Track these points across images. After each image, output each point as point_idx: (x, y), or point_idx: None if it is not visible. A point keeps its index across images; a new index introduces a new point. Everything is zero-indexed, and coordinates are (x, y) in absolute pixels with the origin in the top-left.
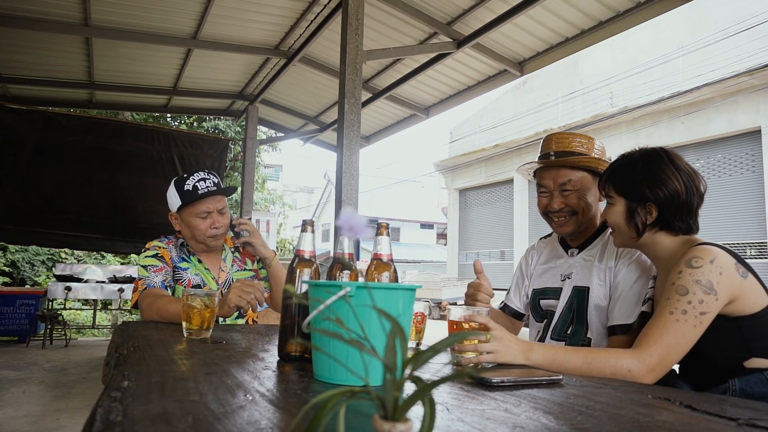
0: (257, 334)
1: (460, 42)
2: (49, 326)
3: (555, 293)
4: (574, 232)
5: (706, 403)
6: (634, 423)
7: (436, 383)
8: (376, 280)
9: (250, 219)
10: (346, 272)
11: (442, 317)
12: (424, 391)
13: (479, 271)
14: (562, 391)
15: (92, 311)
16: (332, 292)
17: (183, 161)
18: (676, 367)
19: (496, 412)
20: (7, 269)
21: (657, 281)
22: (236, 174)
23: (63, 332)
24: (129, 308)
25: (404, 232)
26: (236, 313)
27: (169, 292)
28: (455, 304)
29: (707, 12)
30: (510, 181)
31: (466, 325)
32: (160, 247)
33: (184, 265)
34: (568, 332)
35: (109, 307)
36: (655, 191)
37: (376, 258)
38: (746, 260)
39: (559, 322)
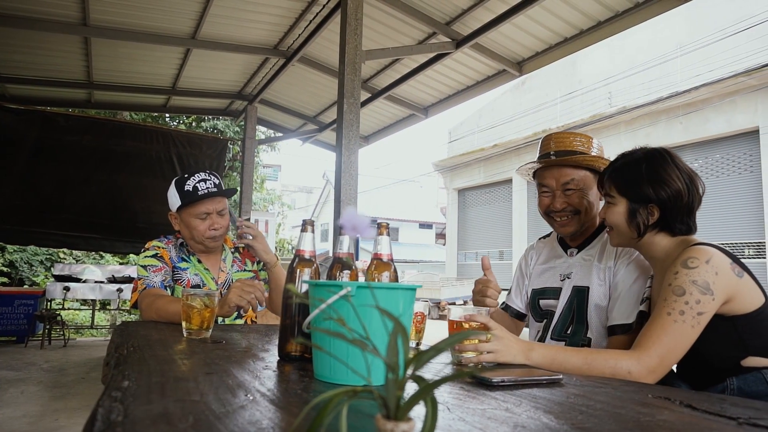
0: (257, 333)
1: (459, 42)
2: (47, 326)
3: (554, 293)
4: (576, 231)
5: (706, 402)
6: (635, 422)
7: (438, 383)
8: (376, 279)
9: (248, 219)
10: (346, 272)
11: (441, 317)
12: (427, 390)
13: (487, 268)
14: (563, 390)
15: (91, 311)
16: (333, 292)
17: (182, 161)
18: (674, 367)
19: (497, 411)
20: (5, 269)
21: (653, 281)
22: (235, 174)
23: (61, 332)
24: (128, 308)
25: (403, 232)
26: (235, 314)
27: (169, 292)
28: (454, 304)
29: (706, 12)
30: (509, 181)
31: (466, 325)
32: (159, 247)
33: (183, 265)
34: (568, 332)
35: (107, 307)
36: (658, 192)
37: (376, 258)
38: (744, 260)
39: (559, 322)
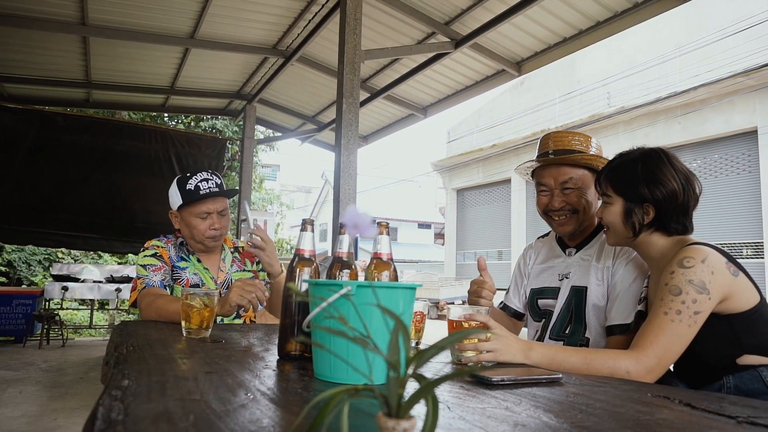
0: (256, 333)
1: (458, 42)
2: (45, 326)
3: (553, 293)
4: (575, 231)
5: (705, 401)
6: (635, 421)
7: (439, 381)
8: (376, 279)
9: (246, 219)
10: (346, 271)
11: (440, 317)
12: (428, 389)
13: (483, 268)
14: (562, 389)
15: (89, 311)
16: (334, 291)
17: (180, 161)
18: (671, 366)
19: (496, 410)
20: (3, 269)
21: (650, 281)
22: (234, 174)
23: (60, 332)
24: (126, 308)
25: (402, 232)
26: (234, 313)
27: (168, 291)
28: (453, 303)
29: (704, 13)
30: (507, 181)
31: (465, 324)
32: (158, 247)
33: (182, 264)
34: (567, 332)
35: (106, 307)
36: (653, 192)
37: (376, 257)
38: (742, 260)
39: (557, 322)
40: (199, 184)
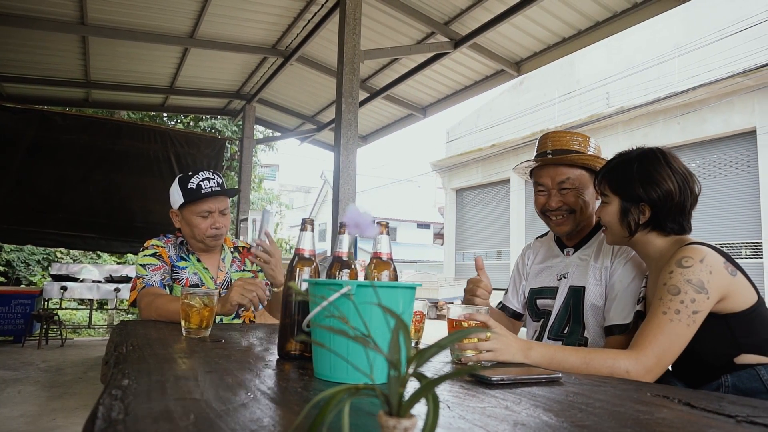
0: (256, 332)
1: (458, 42)
2: (44, 326)
3: (551, 293)
4: (572, 231)
5: (704, 400)
6: (634, 420)
7: (439, 380)
8: (375, 278)
9: (245, 219)
10: (346, 271)
11: (439, 317)
12: (428, 387)
13: (480, 268)
14: (562, 389)
15: (88, 311)
16: (334, 291)
17: (179, 161)
18: (669, 366)
19: (496, 409)
20: (2, 269)
21: (648, 280)
22: (233, 173)
23: (59, 332)
24: (126, 308)
25: (401, 232)
26: (234, 312)
27: (168, 291)
28: (452, 303)
29: (703, 13)
30: (507, 181)
31: (465, 324)
32: (158, 246)
33: (182, 264)
34: (565, 332)
35: (105, 306)
36: (648, 191)
37: (376, 257)
38: (741, 260)
39: (555, 322)
40: (201, 183)
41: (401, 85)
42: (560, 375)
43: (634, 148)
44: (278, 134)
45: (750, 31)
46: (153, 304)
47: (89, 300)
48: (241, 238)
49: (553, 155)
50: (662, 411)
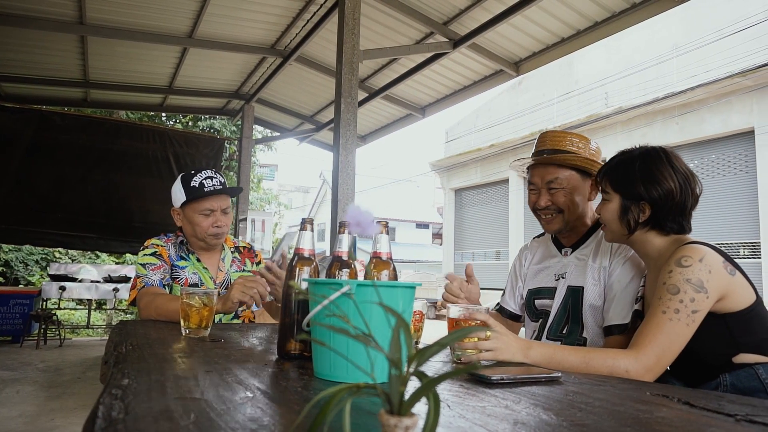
0: (255, 332)
1: (457, 42)
2: (43, 326)
3: (549, 293)
4: (561, 229)
5: (703, 399)
6: (634, 419)
7: (440, 378)
8: (375, 278)
9: (245, 219)
10: (345, 270)
11: (438, 317)
12: (429, 386)
13: (469, 275)
14: (561, 388)
15: (87, 311)
16: (335, 290)
17: (178, 160)
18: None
19: (496, 408)
20: (0, 269)
21: (647, 279)
22: (232, 173)
23: (57, 332)
24: (125, 308)
25: (400, 232)
26: (232, 313)
27: (167, 290)
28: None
29: (702, 13)
30: (505, 181)
31: (464, 324)
32: (158, 245)
33: (182, 263)
34: (564, 332)
35: (103, 306)
36: (649, 190)
37: (376, 256)
38: (739, 260)
39: (554, 322)
40: (204, 181)
41: (400, 85)
42: (560, 374)
43: (638, 146)
44: (277, 134)
45: (748, 32)
46: (152, 304)
47: (88, 300)
48: (240, 237)
49: (549, 154)
50: (662, 410)
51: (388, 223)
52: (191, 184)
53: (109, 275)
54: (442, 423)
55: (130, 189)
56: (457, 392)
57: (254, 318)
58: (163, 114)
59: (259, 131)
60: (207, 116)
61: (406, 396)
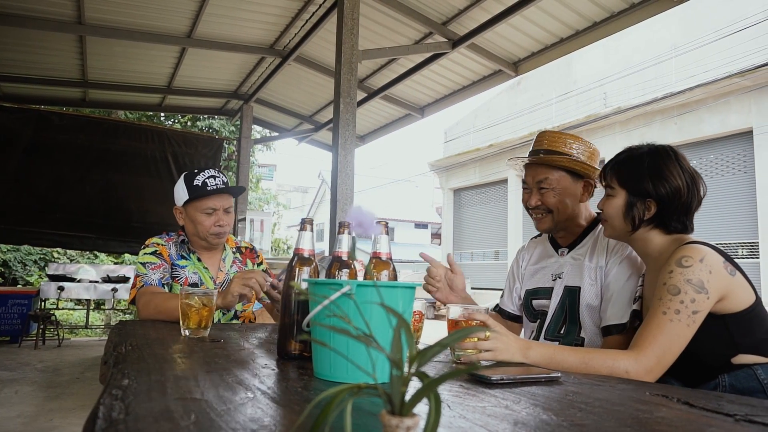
0: (255, 332)
1: (455, 42)
2: (41, 326)
3: (547, 293)
4: (551, 229)
5: (703, 399)
6: (633, 419)
7: (441, 379)
8: (375, 278)
9: (243, 219)
10: (345, 271)
11: (437, 317)
12: (431, 386)
13: (451, 263)
14: (561, 388)
15: (85, 311)
16: (335, 290)
17: (177, 160)
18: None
19: (496, 408)
20: None
21: (646, 279)
22: (230, 173)
23: (56, 332)
24: (123, 308)
25: (398, 232)
26: (232, 313)
27: (167, 290)
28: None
29: (701, 13)
30: (504, 181)
31: (464, 324)
32: (159, 244)
33: (182, 262)
34: (562, 332)
35: (102, 307)
36: (657, 187)
37: (375, 256)
38: (738, 260)
39: (552, 322)
40: (207, 180)
41: (399, 85)
42: (559, 374)
43: (645, 143)
44: (276, 134)
45: (747, 32)
46: (151, 303)
47: (86, 300)
48: (239, 237)
49: (545, 154)
50: (661, 410)
51: (387, 223)
52: (194, 183)
53: (107, 275)
54: (443, 423)
55: (128, 189)
56: (457, 392)
57: (254, 318)
58: (162, 114)
59: (257, 131)
60: (206, 116)
61: (408, 396)
